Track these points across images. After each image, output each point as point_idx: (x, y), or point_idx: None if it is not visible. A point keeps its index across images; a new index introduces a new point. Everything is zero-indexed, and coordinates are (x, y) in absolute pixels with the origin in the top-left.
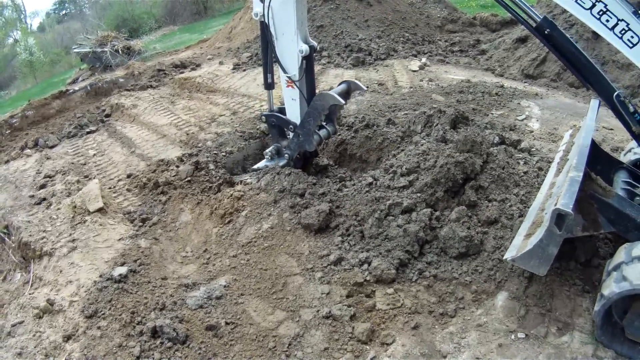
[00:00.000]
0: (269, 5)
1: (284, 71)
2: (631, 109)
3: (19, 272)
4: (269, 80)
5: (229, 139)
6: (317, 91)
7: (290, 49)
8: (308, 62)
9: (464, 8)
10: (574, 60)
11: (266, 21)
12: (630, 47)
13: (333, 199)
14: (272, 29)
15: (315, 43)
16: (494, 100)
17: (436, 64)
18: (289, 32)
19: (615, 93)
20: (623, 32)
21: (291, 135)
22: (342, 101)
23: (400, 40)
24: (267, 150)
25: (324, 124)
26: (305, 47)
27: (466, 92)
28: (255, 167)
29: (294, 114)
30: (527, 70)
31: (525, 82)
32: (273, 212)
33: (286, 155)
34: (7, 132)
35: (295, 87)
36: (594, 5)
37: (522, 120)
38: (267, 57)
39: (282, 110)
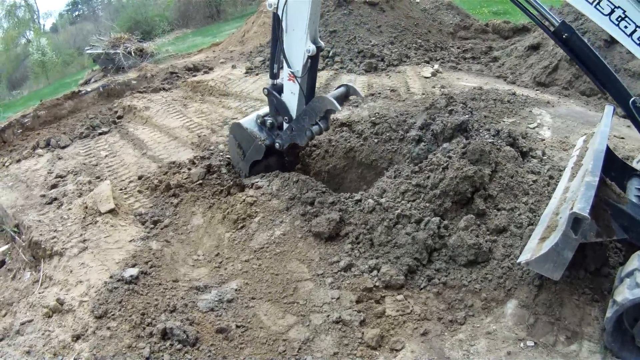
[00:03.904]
0: None
1: (289, 66)
2: None
3: (28, 271)
4: (275, 71)
5: None
6: (316, 92)
7: (298, 45)
8: (313, 61)
9: (476, 15)
10: (591, 65)
11: (279, 14)
12: None
13: (342, 208)
14: (283, 23)
15: (323, 44)
16: (505, 107)
17: (448, 71)
18: (300, 29)
19: (632, 99)
20: None
21: (285, 126)
22: (339, 107)
23: (413, 46)
24: (267, 118)
25: (317, 120)
26: (312, 47)
27: (478, 100)
28: (243, 121)
29: (290, 107)
30: (539, 78)
31: (537, 90)
32: (285, 220)
33: (277, 143)
34: (19, 132)
35: (296, 82)
36: (612, 12)
37: (534, 128)
38: (275, 47)
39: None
